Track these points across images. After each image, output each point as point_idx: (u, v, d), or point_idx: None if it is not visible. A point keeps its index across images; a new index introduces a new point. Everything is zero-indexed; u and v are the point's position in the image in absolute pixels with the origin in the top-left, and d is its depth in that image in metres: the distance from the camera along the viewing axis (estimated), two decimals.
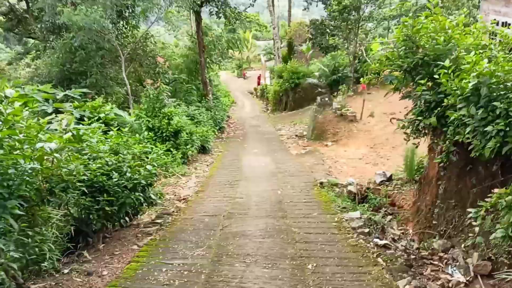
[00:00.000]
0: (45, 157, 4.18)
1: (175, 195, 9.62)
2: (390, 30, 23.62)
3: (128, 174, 5.82)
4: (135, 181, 5.85)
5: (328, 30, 26.71)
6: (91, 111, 11.35)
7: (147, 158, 7.19)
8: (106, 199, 5.46)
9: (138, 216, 7.62)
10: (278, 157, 13.87)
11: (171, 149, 12.50)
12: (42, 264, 4.42)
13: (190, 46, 23.93)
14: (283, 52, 29.60)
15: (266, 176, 10.98)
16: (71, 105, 9.05)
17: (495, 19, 7.74)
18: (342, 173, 11.85)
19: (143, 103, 13.75)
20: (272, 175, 11.05)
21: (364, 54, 16.36)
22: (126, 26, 19.05)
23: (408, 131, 7.59)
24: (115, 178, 5.65)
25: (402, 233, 8.07)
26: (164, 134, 12.78)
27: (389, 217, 9.19)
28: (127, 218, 6.28)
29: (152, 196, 6.87)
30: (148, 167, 6.28)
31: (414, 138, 7.62)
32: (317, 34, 26.92)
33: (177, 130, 13.04)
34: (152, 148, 7.17)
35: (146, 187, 6.71)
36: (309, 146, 15.57)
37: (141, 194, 6.09)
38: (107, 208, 5.46)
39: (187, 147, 13.17)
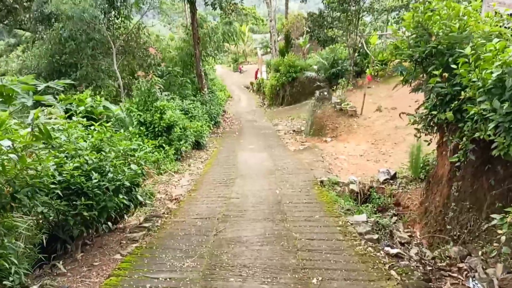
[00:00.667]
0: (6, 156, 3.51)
1: (166, 194, 8.97)
2: (389, 23, 22.92)
3: (110, 175, 5.15)
4: (118, 182, 5.18)
5: (326, 22, 26.02)
6: (78, 105, 10.68)
7: (135, 155, 6.51)
8: (84, 203, 4.79)
9: (126, 218, 6.98)
10: (275, 153, 13.24)
11: (163, 145, 11.84)
12: (5, 282, 3.76)
13: (185, 38, 23.15)
14: (280, 45, 28.87)
15: (263, 173, 10.35)
16: (53, 98, 8.32)
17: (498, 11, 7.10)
18: (342, 170, 11.24)
19: (135, 96, 13.04)
20: (270, 172, 10.42)
21: (365, 46, 15.71)
22: (118, 17, 18.23)
23: (419, 126, 6.97)
24: (95, 179, 4.98)
25: (410, 235, 7.50)
26: (156, 129, 12.10)
27: (395, 218, 8.62)
28: (110, 223, 5.61)
29: (140, 197, 6.21)
30: (133, 166, 5.61)
31: (426, 135, 7.00)
32: (315, 27, 26.16)
33: (170, 125, 12.36)
34: (139, 144, 6.49)
35: (133, 188, 6.07)
36: (308, 142, 14.95)
37: (125, 197, 5.43)
38: (85, 213, 4.80)
39: (181, 143, 12.49)
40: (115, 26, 19.14)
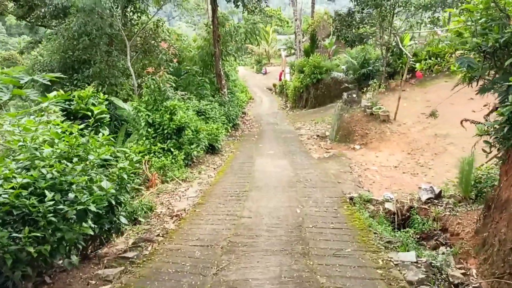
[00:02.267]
0: None
1: (168, 208, 7.55)
2: (423, 24, 20.94)
3: (72, 195, 3.74)
4: (81, 206, 3.76)
5: (354, 22, 24.23)
6: (77, 102, 9.43)
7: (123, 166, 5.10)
8: (29, 235, 3.39)
9: (113, 240, 5.60)
10: (297, 161, 11.67)
11: (172, 149, 10.48)
12: None
13: (206, 37, 21.89)
14: (305, 46, 27.23)
15: (282, 186, 8.80)
16: (36, 93, 7.04)
17: None
18: (375, 184, 9.57)
19: (144, 94, 11.75)
20: (290, 184, 8.87)
21: (400, 45, 13.98)
22: (134, 11, 17.06)
23: (491, 139, 5.32)
24: (50, 200, 3.58)
25: (463, 273, 5.82)
26: (166, 131, 10.76)
27: (442, 248, 6.92)
28: (74, 257, 4.19)
29: (123, 219, 4.79)
30: (105, 183, 4.18)
31: (498, 149, 5.34)
32: (343, 26, 24.41)
33: (180, 127, 10.99)
34: (124, 152, 5.09)
35: (116, 207, 4.67)
36: (333, 149, 13.31)
37: (92, 225, 4.00)
38: (29, 249, 3.39)
39: (192, 147, 11.10)
40: (132, 22, 18.04)
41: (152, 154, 10.23)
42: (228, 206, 7.40)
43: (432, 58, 6.36)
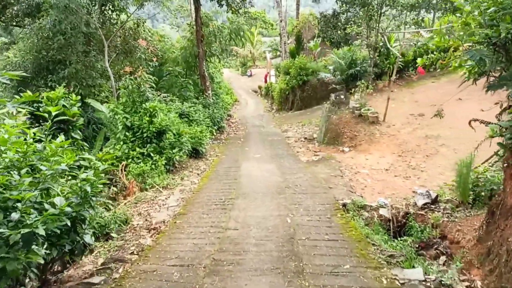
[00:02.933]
0: None
1: (146, 220, 6.82)
2: (407, 25, 20.68)
3: (16, 215, 3.02)
4: (27, 229, 3.04)
5: (340, 23, 23.86)
6: (46, 104, 8.61)
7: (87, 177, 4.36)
8: None
9: (80, 259, 4.85)
10: (285, 165, 11.06)
11: (151, 154, 9.73)
12: None
13: (189, 37, 21.16)
14: (291, 48, 26.74)
15: (270, 192, 8.16)
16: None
17: None
18: (366, 188, 9.02)
19: (121, 96, 10.98)
20: (279, 191, 8.23)
21: (388, 44, 13.54)
22: (113, 9, 16.24)
23: (507, 141, 4.79)
24: None
25: (468, 287, 5.29)
26: (145, 135, 10.01)
27: (443, 258, 6.40)
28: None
29: (87, 238, 4.06)
30: (58, 200, 3.46)
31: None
32: (328, 28, 24.06)
33: (161, 130, 10.25)
34: (88, 159, 4.36)
35: (79, 224, 3.96)
36: (322, 152, 12.75)
37: (43, 251, 3.27)
38: None
39: (173, 151, 10.37)
40: (111, 21, 17.19)
41: (130, 160, 9.47)
42: (212, 216, 6.71)
43: (435, 53, 5.81)
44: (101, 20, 16.40)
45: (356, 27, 16.16)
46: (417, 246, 6.66)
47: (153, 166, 9.51)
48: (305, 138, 15.50)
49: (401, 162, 10.47)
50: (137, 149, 9.73)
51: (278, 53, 33.84)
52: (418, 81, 15.41)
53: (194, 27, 18.54)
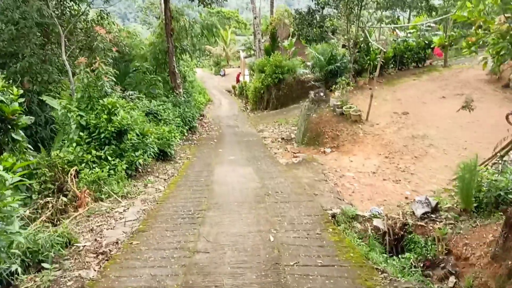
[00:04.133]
0: None
1: (96, 240, 5.44)
2: (383, 23, 19.95)
3: None
4: None
5: (315, 21, 22.92)
6: None
7: None
8: None
9: None
10: (263, 168, 9.89)
11: (109, 157, 8.32)
12: None
13: (158, 32, 19.66)
14: (266, 45, 25.62)
15: (248, 201, 6.95)
16: None
17: None
18: (355, 194, 7.97)
19: (76, 91, 9.48)
20: (257, 199, 7.03)
21: (369, 38, 12.63)
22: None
23: None
24: None
25: None
26: (103, 135, 8.56)
27: (452, 279, 5.38)
28: None
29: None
30: None
31: None
32: (303, 25, 23.05)
33: (121, 130, 8.82)
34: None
35: None
36: (301, 153, 11.65)
37: None
38: None
39: (137, 153, 8.97)
40: (72, 12, 15.50)
41: (84, 164, 8.01)
42: (178, 234, 5.43)
43: (456, 30, 4.75)
44: (60, 10, 14.72)
45: (336, 20, 15.18)
46: (421, 265, 5.63)
47: (111, 171, 8.09)
48: (283, 139, 14.39)
49: (388, 164, 9.49)
50: (93, 151, 8.27)
51: (253, 51, 32.67)
52: (399, 78, 14.61)
53: (163, 20, 17.08)
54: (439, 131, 10.40)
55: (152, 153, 9.83)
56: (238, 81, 34.62)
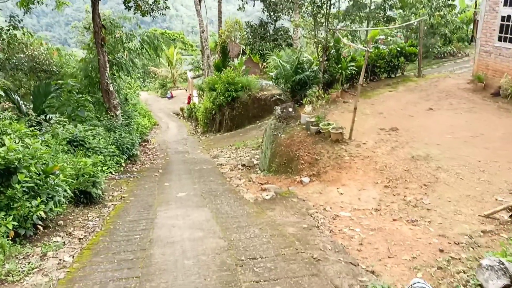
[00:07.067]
0: None
1: None
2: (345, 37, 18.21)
3: None
4: None
5: (268, 34, 20.82)
6: None
7: None
8: None
9: None
10: (225, 210, 7.02)
11: None
12: None
13: (89, 45, 16.38)
14: (216, 61, 23.05)
15: (211, 284, 4.03)
16: None
17: None
18: (364, 248, 5.34)
19: None
20: (226, 279, 4.13)
21: (347, 42, 10.52)
22: None
23: None
24: None
25: None
26: None
27: None
28: None
29: None
30: None
31: None
32: (256, 39, 20.86)
33: (9, 168, 5.60)
34: None
35: None
36: (271, 184, 8.95)
37: None
38: None
39: (34, 202, 5.73)
40: None
41: None
42: None
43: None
44: None
45: (301, 17, 12.86)
46: None
47: None
48: (244, 165, 11.63)
49: (392, 196, 7.03)
50: None
51: (201, 71, 29.95)
52: (373, 90, 12.55)
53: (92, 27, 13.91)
54: (442, 150, 8.21)
55: (63, 199, 6.58)
56: (189, 102, 31.66)
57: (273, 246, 4.98)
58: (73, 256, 5.16)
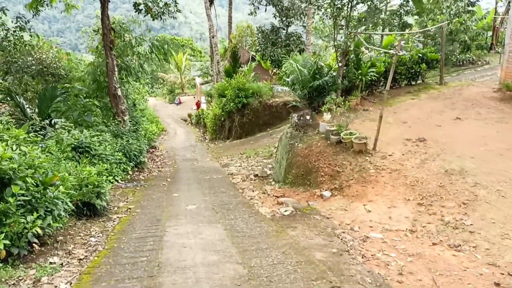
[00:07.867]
0: None
1: None
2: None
3: None
4: None
5: (280, 39, 20.18)
6: None
7: None
8: None
9: None
10: (240, 227, 6.30)
11: None
12: None
13: (98, 48, 15.85)
14: (226, 67, 22.44)
15: None
16: None
17: None
18: (406, 279, 4.58)
19: None
20: None
21: (362, 47, 9.85)
22: None
23: None
24: None
25: None
26: None
27: None
28: None
29: None
30: None
31: None
32: (267, 45, 20.23)
33: (1, 178, 4.94)
34: None
35: None
36: (288, 197, 8.21)
37: None
38: None
39: (30, 217, 5.05)
40: None
41: None
42: None
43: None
44: None
45: (320, 19, 12.14)
46: None
47: None
48: (256, 176, 10.90)
49: (427, 216, 6.25)
50: None
51: (210, 77, 29.41)
52: (394, 98, 11.79)
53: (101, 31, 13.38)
54: (477, 163, 7.43)
55: (62, 213, 5.89)
56: (198, 108, 31.09)
57: (302, 277, 4.23)
58: (71, 283, 4.46)
